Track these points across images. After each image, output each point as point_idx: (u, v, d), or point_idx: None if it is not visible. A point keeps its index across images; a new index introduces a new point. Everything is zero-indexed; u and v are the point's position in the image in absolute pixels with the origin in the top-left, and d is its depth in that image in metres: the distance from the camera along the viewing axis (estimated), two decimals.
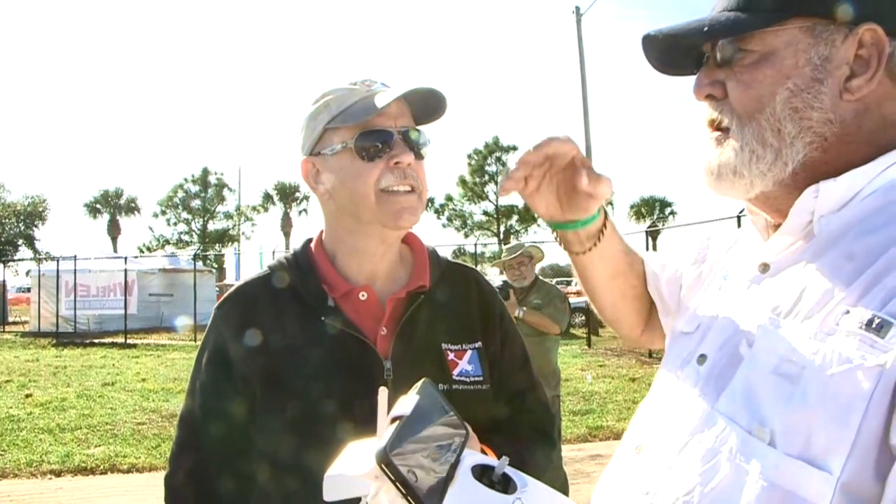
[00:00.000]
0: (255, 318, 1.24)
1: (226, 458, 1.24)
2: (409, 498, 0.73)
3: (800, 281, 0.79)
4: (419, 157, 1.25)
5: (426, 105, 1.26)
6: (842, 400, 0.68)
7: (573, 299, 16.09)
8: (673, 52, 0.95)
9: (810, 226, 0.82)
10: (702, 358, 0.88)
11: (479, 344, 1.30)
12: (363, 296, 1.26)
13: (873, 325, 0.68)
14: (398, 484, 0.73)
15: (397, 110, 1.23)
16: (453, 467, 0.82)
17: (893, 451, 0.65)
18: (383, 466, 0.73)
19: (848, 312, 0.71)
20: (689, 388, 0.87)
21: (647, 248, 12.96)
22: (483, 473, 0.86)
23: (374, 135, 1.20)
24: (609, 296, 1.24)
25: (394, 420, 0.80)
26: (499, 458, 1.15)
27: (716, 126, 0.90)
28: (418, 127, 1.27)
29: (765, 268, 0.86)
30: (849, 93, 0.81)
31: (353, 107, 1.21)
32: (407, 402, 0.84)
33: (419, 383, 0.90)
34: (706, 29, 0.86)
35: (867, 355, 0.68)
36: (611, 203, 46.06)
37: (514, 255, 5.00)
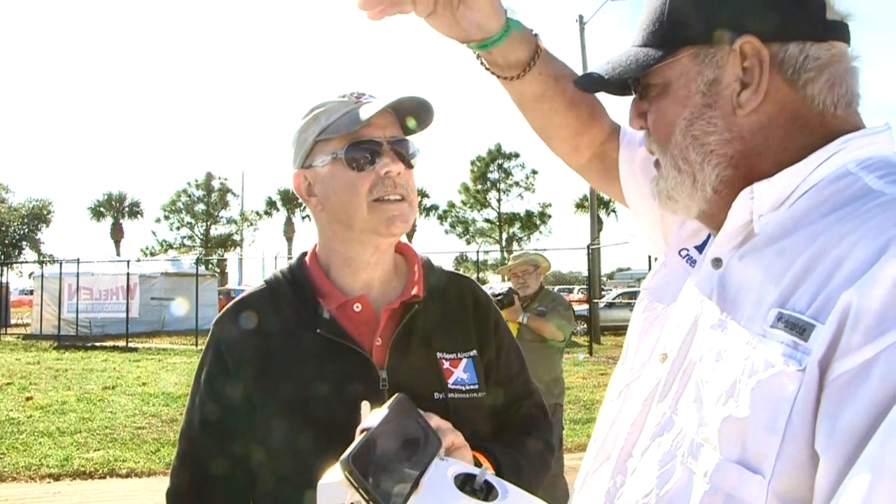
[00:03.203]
0: (252, 331, 1.26)
1: (217, 456, 1.24)
2: None
3: (742, 281, 0.80)
4: (409, 166, 1.27)
5: (413, 113, 1.28)
6: (769, 405, 0.69)
7: (575, 307, 16.07)
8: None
9: (751, 225, 0.83)
10: (663, 356, 0.89)
11: (474, 352, 1.31)
12: (357, 307, 1.28)
13: (796, 328, 0.70)
14: (360, 491, 0.79)
15: (385, 121, 1.25)
16: (419, 476, 0.88)
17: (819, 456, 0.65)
18: (346, 474, 0.80)
19: (779, 314, 0.72)
20: (651, 389, 0.89)
21: (650, 257, 12.91)
22: (466, 482, 0.91)
23: (363, 145, 1.22)
24: (537, 119, 1.23)
25: (362, 431, 0.89)
26: (494, 466, 1.16)
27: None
28: (406, 137, 1.29)
29: (717, 263, 0.87)
30: (740, 108, 0.83)
31: (342, 118, 1.23)
32: (376, 415, 0.91)
33: (393, 397, 0.97)
34: (607, 77, 0.92)
35: (790, 360, 0.69)
36: (614, 211, 46.15)
37: (518, 263, 5.02)
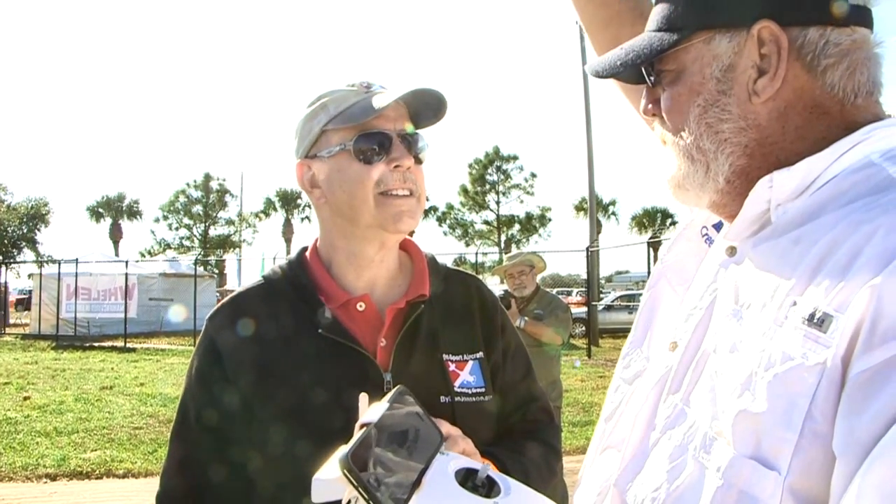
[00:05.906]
0: (249, 331, 1.21)
1: (215, 461, 1.20)
2: (370, 503, 0.77)
3: (758, 270, 0.78)
4: (418, 161, 1.22)
5: (426, 107, 1.24)
6: (786, 399, 0.67)
7: (573, 309, 16.07)
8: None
9: (767, 214, 0.81)
10: (673, 345, 0.86)
11: (480, 354, 1.27)
12: (361, 306, 1.22)
13: (815, 320, 0.67)
14: (359, 489, 0.76)
15: (396, 113, 1.20)
16: (422, 473, 0.84)
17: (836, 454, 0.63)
18: (345, 472, 0.77)
19: (795, 304, 0.70)
20: (660, 379, 0.86)
21: (649, 260, 12.93)
22: (468, 477, 0.87)
23: (372, 136, 1.18)
24: (603, 46, 1.19)
25: (362, 426, 0.85)
26: (501, 471, 1.14)
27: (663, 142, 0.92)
28: (418, 130, 1.24)
29: (732, 251, 0.84)
30: (756, 95, 0.80)
31: (351, 108, 1.18)
32: (376, 410, 0.87)
33: (393, 390, 0.92)
34: (620, 63, 0.89)
35: (809, 353, 0.66)
36: (614, 213, 46.22)
37: (514, 263, 4.96)
